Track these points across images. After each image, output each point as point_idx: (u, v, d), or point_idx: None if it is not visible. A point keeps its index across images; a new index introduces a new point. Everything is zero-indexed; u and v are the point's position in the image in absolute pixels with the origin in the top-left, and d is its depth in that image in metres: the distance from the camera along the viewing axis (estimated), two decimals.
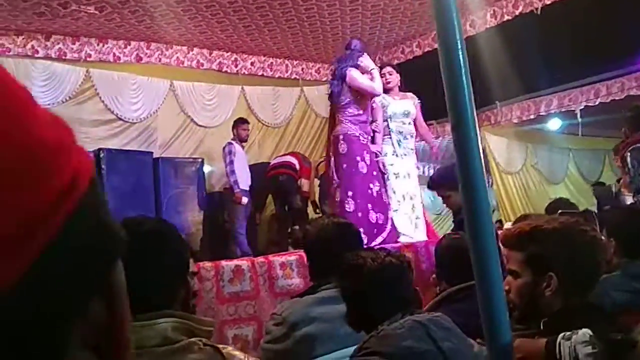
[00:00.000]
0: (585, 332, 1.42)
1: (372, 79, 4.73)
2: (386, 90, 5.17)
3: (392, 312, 1.73)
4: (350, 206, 4.55)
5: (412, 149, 5.20)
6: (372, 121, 5.00)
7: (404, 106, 5.16)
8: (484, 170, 1.15)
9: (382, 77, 5.20)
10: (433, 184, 4.36)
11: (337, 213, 4.53)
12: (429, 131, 5.64)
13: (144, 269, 1.31)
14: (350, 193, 4.56)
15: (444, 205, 4.53)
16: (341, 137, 4.66)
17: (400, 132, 5.11)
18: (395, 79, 5.21)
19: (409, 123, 5.18)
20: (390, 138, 5.07)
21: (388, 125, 5.09)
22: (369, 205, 4.63)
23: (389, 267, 1.81)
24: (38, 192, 0.40)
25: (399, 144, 5.08)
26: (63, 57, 6.86)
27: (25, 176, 0.39)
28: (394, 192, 4.95)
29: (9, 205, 0.38)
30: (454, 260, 2.44)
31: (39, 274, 0.39)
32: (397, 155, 5.05)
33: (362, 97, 4.76)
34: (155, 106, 7.46)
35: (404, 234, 4.84)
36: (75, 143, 0.45)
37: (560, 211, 4.33)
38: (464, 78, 0.98)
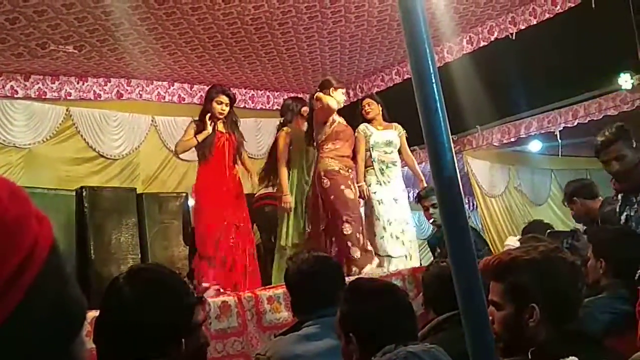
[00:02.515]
0: None
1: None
2: (369, 120, 5.25)
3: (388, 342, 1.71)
4: (347, 229, 4.56)
5: (396, 177, 5.23)
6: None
7: (386, 136, 5.22)
8: (464, 194, 1.15)
9: (361, 109, 5.32)
10: (426, 192, 4.70)
11: (335, 241, 4.70)
12: (415, 162, 5.67)
13: (138, 318, 1.29)
14: (344, 217, 4.58)
15: (429, 217, 4.81)
16: (322, 173, 4.73)
17: (383, 161, 5.15)
18: (375, 109, 5.28)
19: (392, 152, 5.23)
20: (373, 168, 5.12)
21: (370, 154, 5.14)
22: (361, 229, 4.69)
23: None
24: None
25: (381, 172, 5.12)
26: (43, 97, 6.84)
27: None
28: (378, 219, 4.99)
29: None
30: (440, 288, 2.42)
31: None
32: (380, 184, 5.09)
33: (339, 131, 4.82)
34: (137, 142, 7.45)
35: (392, 255, 4.89)
36: (32, 211, 0.44)
37: (548, 231, 4.34)
38: (440, 113, 0.99)
